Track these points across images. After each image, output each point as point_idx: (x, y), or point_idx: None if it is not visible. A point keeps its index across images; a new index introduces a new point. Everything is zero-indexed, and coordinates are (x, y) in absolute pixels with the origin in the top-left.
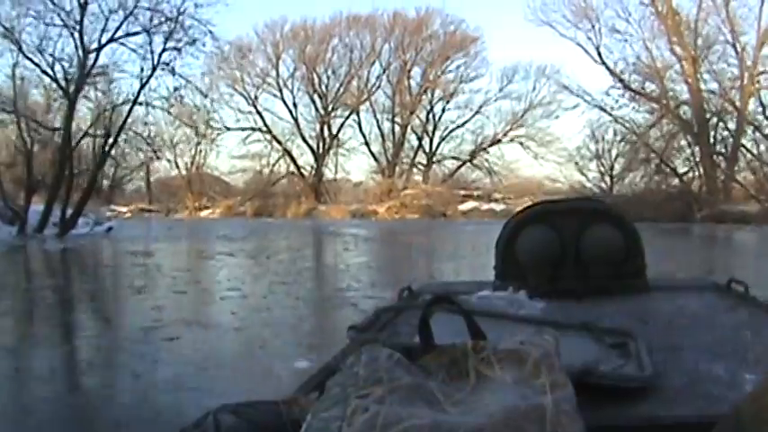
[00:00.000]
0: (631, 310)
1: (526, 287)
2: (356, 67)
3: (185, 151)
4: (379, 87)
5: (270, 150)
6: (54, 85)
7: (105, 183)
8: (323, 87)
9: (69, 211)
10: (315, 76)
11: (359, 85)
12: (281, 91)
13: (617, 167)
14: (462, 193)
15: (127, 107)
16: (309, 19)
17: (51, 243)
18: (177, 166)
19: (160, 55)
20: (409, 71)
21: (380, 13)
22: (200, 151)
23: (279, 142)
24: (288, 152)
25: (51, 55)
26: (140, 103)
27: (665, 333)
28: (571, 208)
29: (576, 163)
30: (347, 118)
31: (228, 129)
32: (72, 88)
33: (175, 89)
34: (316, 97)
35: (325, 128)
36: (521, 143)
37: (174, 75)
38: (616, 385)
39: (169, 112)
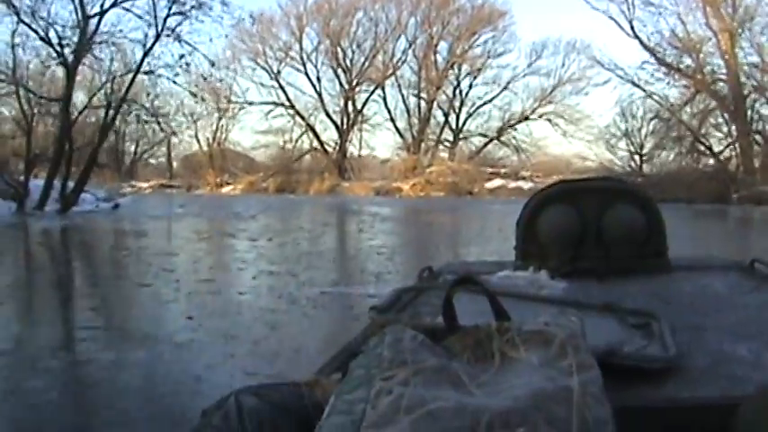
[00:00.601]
0: (654, 290)
1: (547, 267)
2: (381, 41)
3: (207, 126)
4: (404, 62)
5: (293, 125)
6: (54, 54)
7: (127, 158)
8: (347, 62)
9: (73, 187)
10: (339, 50)
11: (384, 59)
12: (304, 65)
13: (647, 146)
14: (489, 170)
15: (131, 77)
16: None
17: (47, 221)
18: (198, 142)
19: (165, 20)
20: (436, 46)
21: None
22: (222, 126)
23: (302, 117)
24: (311, 127)
25: (42, 18)
26: (144, 72)
27: (688, 313)
28: (592, 187)
29: (608, 141)
30: (372, 93)
31: (250, 103)
32: (71, 56)
33: (181, 56)
34: (340, 72)
35: (350, 103)
36: (549, 120)
37: (179, 41)
38: (640, 366)
39: (175, 82)
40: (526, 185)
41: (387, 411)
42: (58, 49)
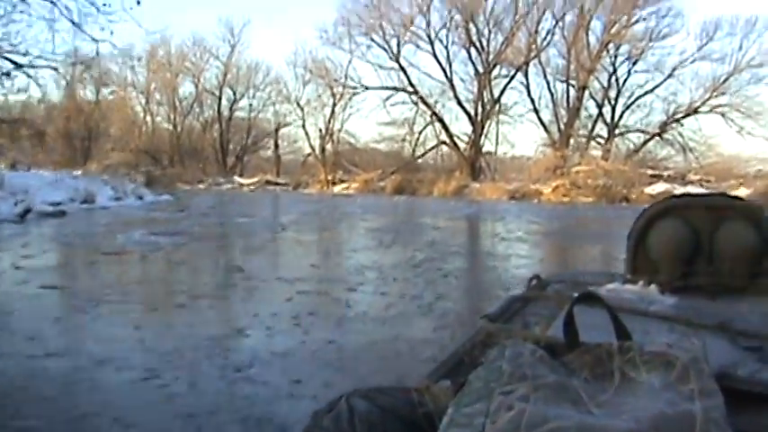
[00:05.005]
0: (766, 311)
1: (657, 282)
2: (523, 16)
3: (318, 115)
4: (550, 43)
5: (415, 115)
6: None
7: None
8: (482, 41)
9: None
10: (473, 26)
11: (526, 39)
12: (431, 44)
13: None
14: (650, 172)
15: None
16: None
17: None
18: (306, 133)
19: None
20: (588, 23)
21: None
22: (335, 115)
23: (427, 105)
24: (439, 118)
25: None
26: None
27: None
28: (706, 203)
29: None
30: (511, 78)
31: (367, 88)
32: None
33: None
34: (473, 52)
35: (485, 90)
36: (722, 114)
37: None
38: (753, 391)
39: None
40: (695, 191)
41: (507, 427)
42: None
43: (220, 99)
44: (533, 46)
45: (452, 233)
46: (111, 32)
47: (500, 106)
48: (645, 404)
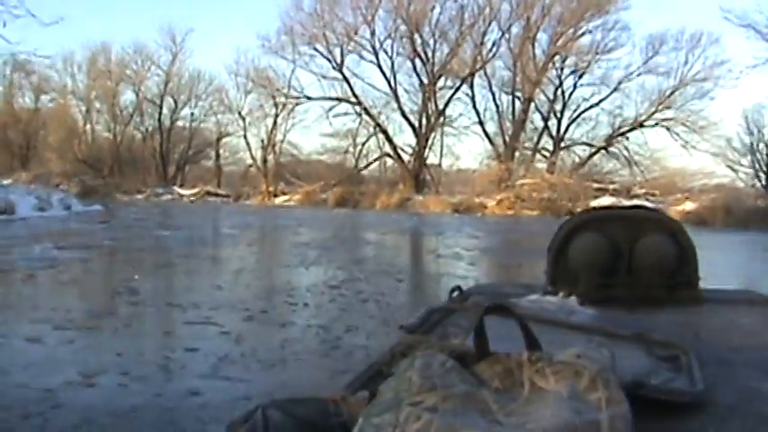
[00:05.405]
0: (683, 321)
1: (577, 293)
2: (469, 27)
3: (260, 125)
4: (495, 55)
5: (359, 125)
6: None
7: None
8: (428, 52)
9: None
10: (418, 37)
11: (472, 50)
12: (376, 54)
13: None
14: (595, 186)
15: None
16: None
17: None
18: (248, 143)
19: None
20: (534, 36)
21: None
22: (278, 126)
23: (371, 116)
24: (382, 129)
25: None
26: None
27: (717, 347)
28: (624, 216)
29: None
30: (456, 89)
31: (309, 98)
32: None
33: None
34: (418, 63)
35: (430, 102)
36: (667, 128)
37: None
38: (666, 399)
39: None
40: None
41: None
42: None
43: (161, 108)
44: (479, 57)
45: (385, 248)
46: (5, 24)
47: (445, 118)
48: (552, 413)
